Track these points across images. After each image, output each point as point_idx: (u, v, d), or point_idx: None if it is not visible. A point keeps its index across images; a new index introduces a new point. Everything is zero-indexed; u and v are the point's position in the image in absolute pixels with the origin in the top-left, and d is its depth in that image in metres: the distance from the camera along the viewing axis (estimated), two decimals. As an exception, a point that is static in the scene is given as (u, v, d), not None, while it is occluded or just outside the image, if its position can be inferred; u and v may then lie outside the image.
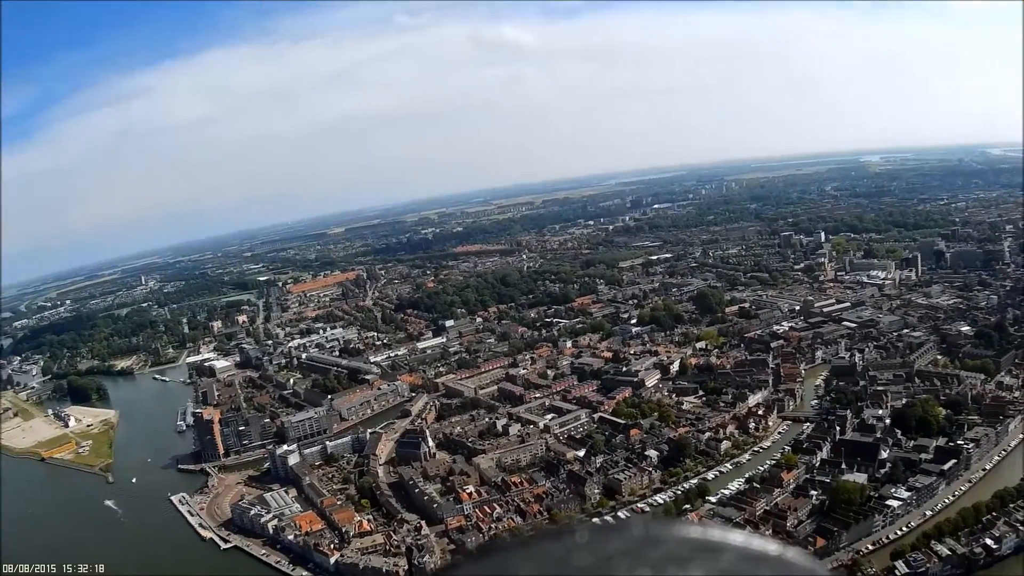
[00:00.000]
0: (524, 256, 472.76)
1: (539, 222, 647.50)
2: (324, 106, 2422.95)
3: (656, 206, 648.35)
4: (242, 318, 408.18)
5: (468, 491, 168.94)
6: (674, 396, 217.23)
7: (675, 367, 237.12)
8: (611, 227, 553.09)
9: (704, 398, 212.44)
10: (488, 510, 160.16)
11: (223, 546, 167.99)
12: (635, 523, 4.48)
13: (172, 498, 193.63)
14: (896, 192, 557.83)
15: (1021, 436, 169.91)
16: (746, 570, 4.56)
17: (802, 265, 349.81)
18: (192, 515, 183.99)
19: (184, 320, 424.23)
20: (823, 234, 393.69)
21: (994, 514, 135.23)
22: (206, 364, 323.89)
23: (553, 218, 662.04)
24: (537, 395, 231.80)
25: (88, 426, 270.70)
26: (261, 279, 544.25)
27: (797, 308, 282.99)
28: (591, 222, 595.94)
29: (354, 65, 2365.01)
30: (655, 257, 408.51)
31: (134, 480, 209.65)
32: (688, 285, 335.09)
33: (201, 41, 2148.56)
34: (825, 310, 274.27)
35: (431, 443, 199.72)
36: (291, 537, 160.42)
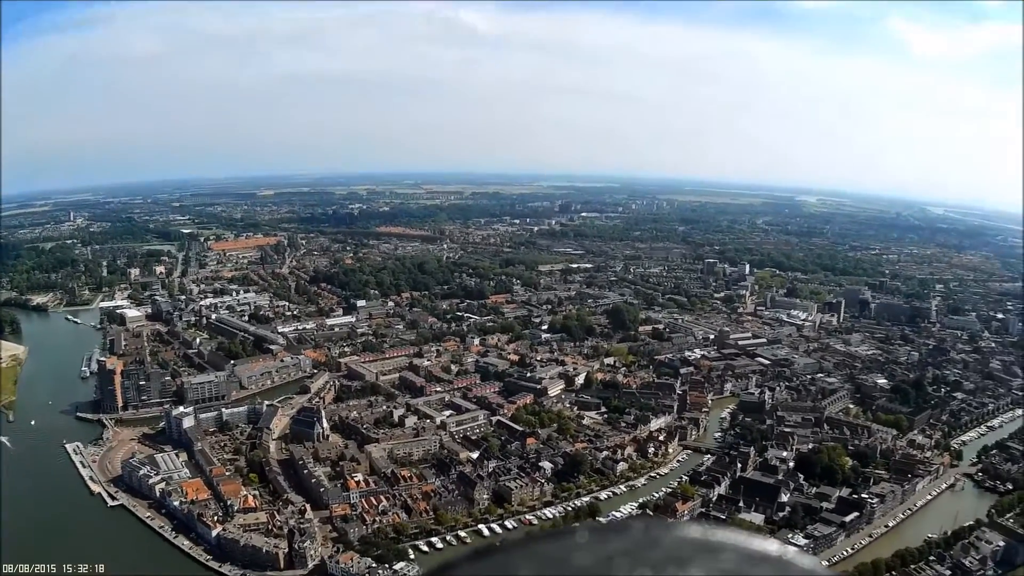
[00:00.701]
0: (445, 246, 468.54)
1: (466, 213, 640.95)
2: (274, 64, 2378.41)
3: (584, 214, 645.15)
4: (160, 269, 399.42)
5: (357, 479, 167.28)
6: (576, 409, 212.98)
7: (580, 380, 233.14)
8: (536, 228, 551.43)
9: (606, 415, 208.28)
10: (375, 501, 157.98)
11: (110, 503, 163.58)
12: (635, 523, 4.51)
13: (67, 446, 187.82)
14: (828, 235, 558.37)
15: (928, 497, 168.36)
16: (746, 570, 4.46)
17: (723, 294, 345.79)
18: (84, 466, 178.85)
19: (104, 263, 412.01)
20: (748, 266, 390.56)
21: (893, 573, 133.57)
22: (118, 311, 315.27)
23: (480, 211, 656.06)
24: (438, 389, 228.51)
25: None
26: (185, 231, 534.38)
27: (712, 337, 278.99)
28: (517, 220, 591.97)
29: (311, 26, 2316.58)
30: (576, 265, 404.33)
31: (33, 423, 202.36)
32: (605, 298, 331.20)
33: None
34: (740, 343, 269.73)
35: (326, 424, 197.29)
36: (176, 503, 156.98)
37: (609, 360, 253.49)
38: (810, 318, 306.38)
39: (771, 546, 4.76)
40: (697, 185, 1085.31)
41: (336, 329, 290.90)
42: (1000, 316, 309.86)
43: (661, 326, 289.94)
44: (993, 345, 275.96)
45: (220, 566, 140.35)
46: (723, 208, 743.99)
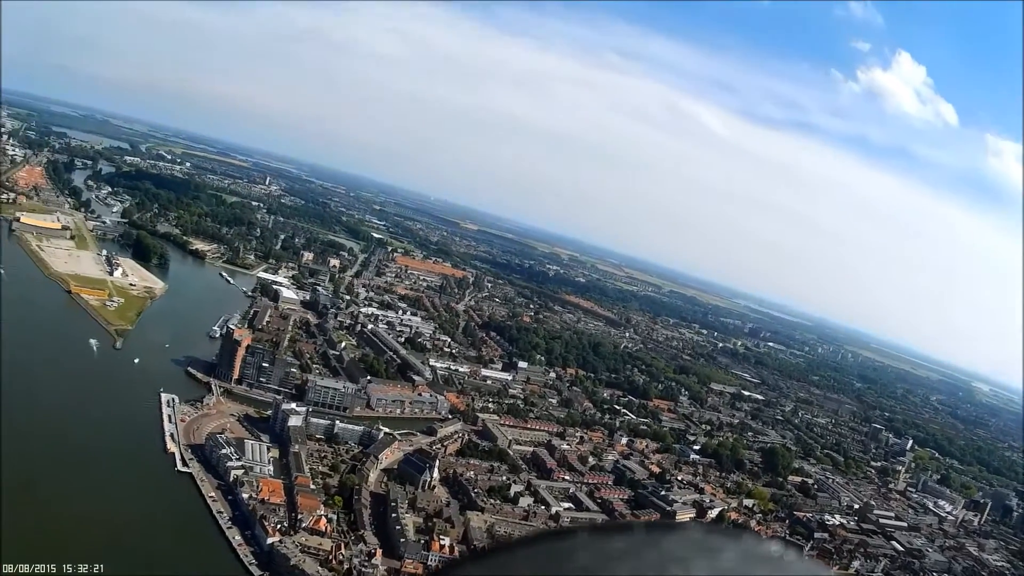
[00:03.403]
0: (628, 334, 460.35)
1: (657, 308, 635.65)
2: (504, 101, 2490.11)
3: (771, 343, 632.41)
4: (335, 262, 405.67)
5: (443, 543, 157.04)
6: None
7: (713, 513, 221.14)
8: (720, 344, 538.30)
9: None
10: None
11: (179, 467, 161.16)
12: (635, 523, 4.90)
13: (162, 395, 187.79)
14: (992, 428, 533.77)
15: None
16: (746, 570, 4.68)
17: (879, 464, 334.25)
18: (170, 421, 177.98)
19: (281, 237, 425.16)
20: (911, 442, 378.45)
21: None
22: (274, 286, 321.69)
23: (672, 310, 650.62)
24: (567, 478, 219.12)
25: (131, 284, 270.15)
26: (375, 235, 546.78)
27: (856, 507, 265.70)
28: (704, 331, 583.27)
29: (547, 77, 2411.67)
30: (747, 393, 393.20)
31: (136, 360, 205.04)
32: (765, 436, 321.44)
33: None
34: (881, 521, 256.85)
35: (436, 475, 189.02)
36: (245, 496, 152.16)
37: (749, 502, 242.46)
38: (954, 512, 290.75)
39: (771, 546, 4.97)
40: (883, 344, 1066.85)
41: (488, 382, 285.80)
42: None
43: (811, 481, 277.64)
44: None
45: (260, 575, 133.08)
46: (902, 375, 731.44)
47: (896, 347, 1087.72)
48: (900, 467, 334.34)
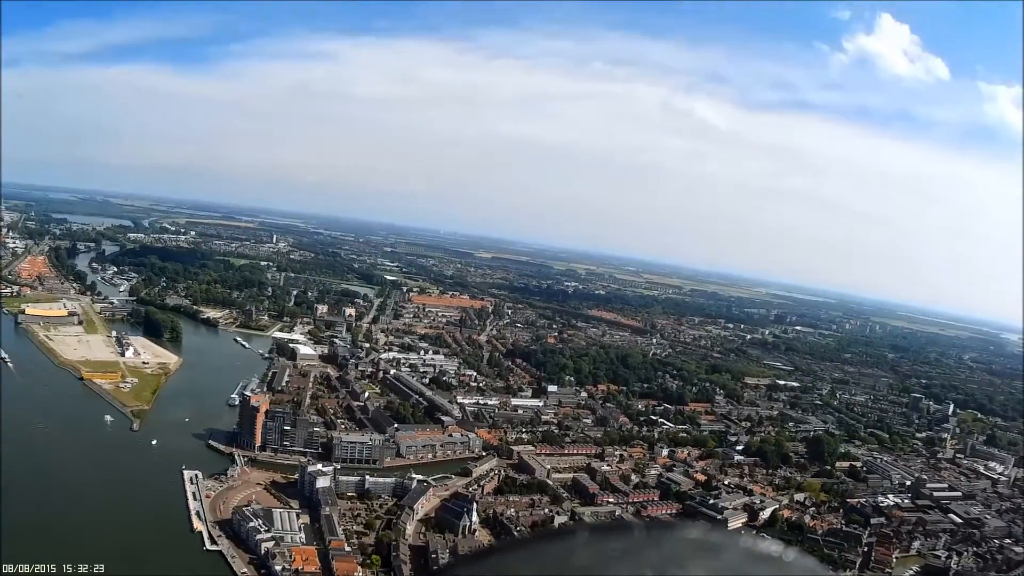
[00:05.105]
0: (655, 341, 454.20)
1: (681, 308, 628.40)
2: (501, 124, 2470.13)
3: (798, 327, 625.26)
4: (350, 311, 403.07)
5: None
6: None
7: (766, 514, 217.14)
8: (748, 336, 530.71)
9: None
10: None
11: (208, 546, 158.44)
12: (635, 523, 4.99)
13: (185, 472, 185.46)
14: None
15: None
16: (747, 570, 4.71)
17: (924, 435, 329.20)
18: (195, 498, 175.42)
19: (293, 293, 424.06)
20: (952, 406, 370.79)
21: None
22: (291, 344, 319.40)
23: (696, 309, 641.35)
24: (611, 500, 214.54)
25: (144, 363, 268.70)
26: (389, 277, 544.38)
27: (908, 483, 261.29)
28: (731, 325, 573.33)
29: (539, 95, 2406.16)
30: (782, 382, 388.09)
31: (154, 442, 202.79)
32: (806, 423, 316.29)
33: (397, 25, 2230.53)
34: (935, 494, 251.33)
35: (476, 517, 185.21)
36: (279, 567, 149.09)
37: (800, 496, 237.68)
38: (1006, 472, 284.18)
39: (771, 546, 4.99)
40: (909, 311, 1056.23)
41: (520, 411, 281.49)
42: None
43: (859, 464, 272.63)
44: None
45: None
46: (932, 338, 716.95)
47: (923, 311, 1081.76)
48: (945, 434, 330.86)
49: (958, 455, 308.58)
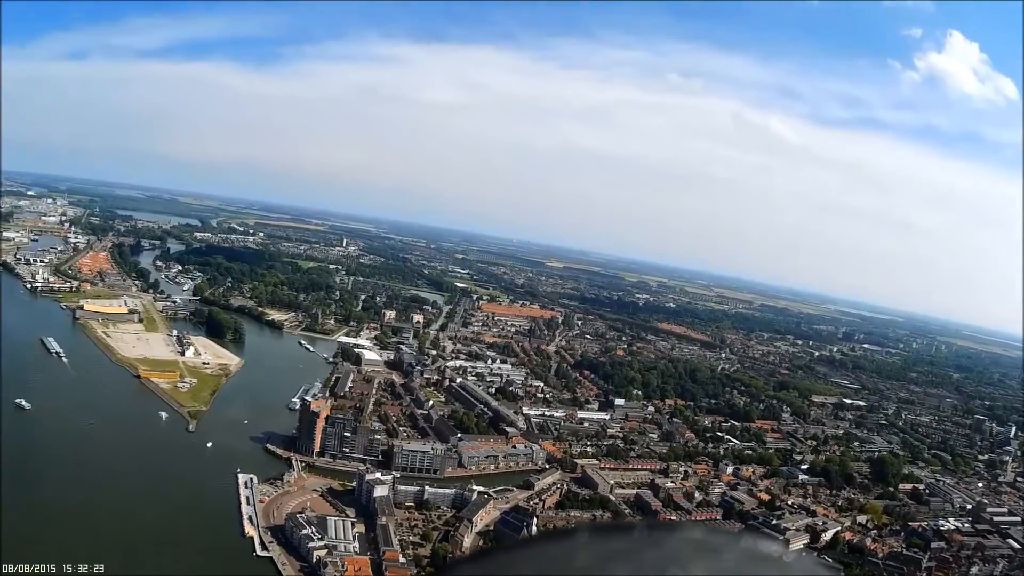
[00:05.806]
0: (724, 355, 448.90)
1: (751, 324, 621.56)
2: (573, 134, 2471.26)
3: (866, 345, 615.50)
4: (418, 317, 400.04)
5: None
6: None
7: (827, 536, 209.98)
8: (816, 353, 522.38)
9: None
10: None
11: (258, 552, 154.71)
12: (635, 523, 5.03)
13: (240, 475, 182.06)
14: None
15: None
16: (747, 570, 4.77)
17: (986, 457, 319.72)
18: (248, 503, 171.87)
19: (361, 298, 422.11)
20: (1014, 428, 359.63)
21: None
22: (356, 349, 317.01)
23: (764, 324, 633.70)
24: (673, 518, 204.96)
25: (204, 363, 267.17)
26: (459, 285, 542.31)
27: (969, 507, 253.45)
28: (800, 341, 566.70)
29: (612, 105, 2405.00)
30: (849, 401, 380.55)
31: (209, 444, 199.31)
32: (871, 443, 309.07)
33: (471, 33, 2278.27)
34: (995, 519, 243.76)
35: (535, 532, 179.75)
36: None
37: (862, 518, 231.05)
38: None
39: (771, 546, 5.08)
40: (973, 330, 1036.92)
41: (586, 424, 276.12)
42: None
43: (921, 486, 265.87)
44: None
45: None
46: (996, 359, 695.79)
47: (988, 331, 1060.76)
48: (1007, 456, 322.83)
49: (1019, 478, 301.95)
